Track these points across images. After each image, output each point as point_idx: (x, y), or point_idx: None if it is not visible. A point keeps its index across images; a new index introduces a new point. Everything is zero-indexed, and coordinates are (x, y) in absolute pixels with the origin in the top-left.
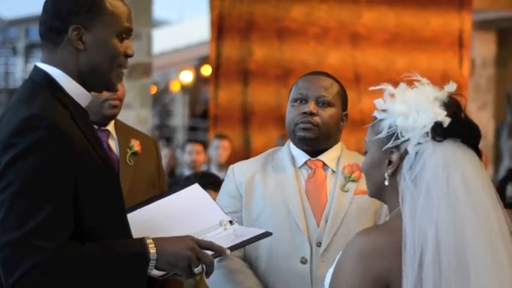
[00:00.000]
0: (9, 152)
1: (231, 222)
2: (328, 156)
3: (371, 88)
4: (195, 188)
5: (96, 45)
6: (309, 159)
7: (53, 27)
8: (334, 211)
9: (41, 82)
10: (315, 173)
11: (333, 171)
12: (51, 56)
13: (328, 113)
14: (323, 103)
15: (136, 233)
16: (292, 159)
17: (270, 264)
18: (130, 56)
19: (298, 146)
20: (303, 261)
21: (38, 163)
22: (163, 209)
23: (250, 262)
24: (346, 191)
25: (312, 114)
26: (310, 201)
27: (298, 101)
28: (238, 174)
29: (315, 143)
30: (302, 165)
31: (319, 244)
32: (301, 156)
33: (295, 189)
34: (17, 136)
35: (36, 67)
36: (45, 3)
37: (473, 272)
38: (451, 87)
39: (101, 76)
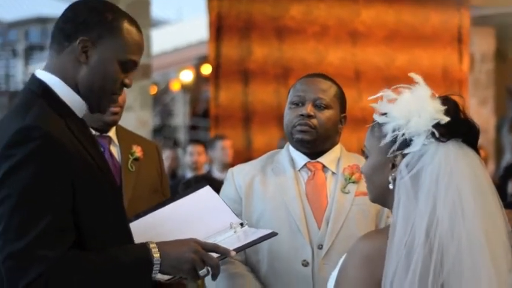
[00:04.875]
0: (5, 165)
1: (241, 224)
2: (328, 158)
3: (370, 98)
4: (207, 191)
5: (97, 64)
6: (309, 162)
7: (64, 30)
8: (335, 213)
9: (36, 91)
10: (314, 175)
11: (333, 173)
12: (53, 61)
13: (325, 115)
14: (320, 105)
15: (147, 238)
16: (292, 161)
17: (272, 267)
18: (127, 86)
19: (296, 148)
20: (305, 263)
21: (34, 173)
22: (175, 213)
23: (251, 266)
24: (346, 193)
25: (309, 116)
26: (310, 204)
27: (296, 104)
28: (237, 177)
29: (313, 145)
30: (302, 168)
31: (320, 246)
32: (301, 159)
33: (295, 191)
34: (12, 148)
35: (33, 76)
36: (67, 7)
37: (467, 271)
38: (420, 82)
39: (93, 95)
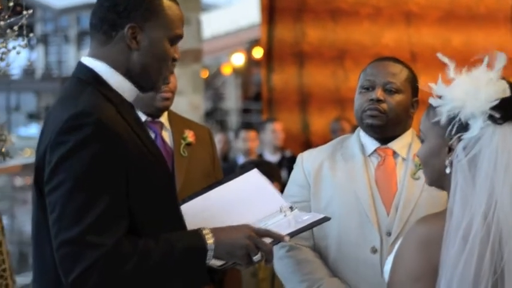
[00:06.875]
0: (58, 151)
1: (291, 208)
2: (399, 144)
3: (439, 57)
4: (254, 174)
5: (149, 47)
6: (379, 147)
7: (108, 20)
8: (405, 199)
9: (85, 78)
10: (384, 161)
11: (404, 158)
12: (100, 49)
13: (396, 99)
14: (391, 90)
15: (196, 222)
16: (362, 147)
17: (340, 253)
18: (177, 60)
19: (367, 133)
20: (373, 250)
21: (88, 160)
22: (223, 197)
23: (319, 252)
24: (417, 179)
25: (379, 101)
26: (379, 190)
27: (366, 88)
28: (306, 162)
29: (383, 130)
30: (372, 153)
31: (389, 234)
32: (371, 144)
33: (364, 177)
34: (65, 134)
35: (80, 63)
36: None
37: None
38: (501, 61)
39: (149, 77)
